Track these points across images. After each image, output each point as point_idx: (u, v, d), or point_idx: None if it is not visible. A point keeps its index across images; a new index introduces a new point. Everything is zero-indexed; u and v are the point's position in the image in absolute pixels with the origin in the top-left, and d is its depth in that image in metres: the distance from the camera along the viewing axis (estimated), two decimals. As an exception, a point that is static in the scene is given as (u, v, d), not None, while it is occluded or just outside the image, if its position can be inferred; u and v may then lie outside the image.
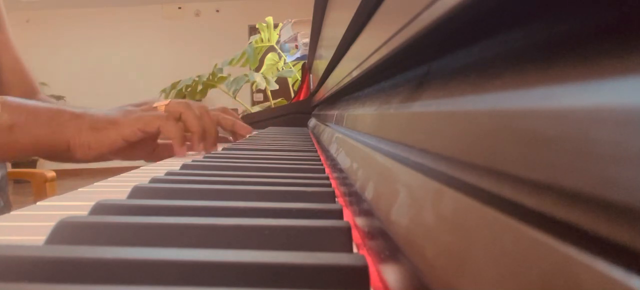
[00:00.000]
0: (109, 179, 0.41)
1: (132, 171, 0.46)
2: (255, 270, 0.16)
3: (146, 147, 0.66)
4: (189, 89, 2.39)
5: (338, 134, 0.49)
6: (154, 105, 0.62)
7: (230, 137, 0.84)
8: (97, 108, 0.61)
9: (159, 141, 0.67)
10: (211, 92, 2.51)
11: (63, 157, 0.60)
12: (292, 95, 1.96)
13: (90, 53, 5.60)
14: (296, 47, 1.95)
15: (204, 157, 0.52)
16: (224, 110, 0.82)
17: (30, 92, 0.84)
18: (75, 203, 0.31)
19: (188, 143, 0.62)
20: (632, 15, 0.08)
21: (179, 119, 0.61)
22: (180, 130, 0.58)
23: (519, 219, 0.09)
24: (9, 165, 0.80)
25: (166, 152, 0.68)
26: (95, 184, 0.38)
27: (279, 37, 2.16)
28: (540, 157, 0.09)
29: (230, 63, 2.33)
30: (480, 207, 0.11)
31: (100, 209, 0.25)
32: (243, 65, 2.31)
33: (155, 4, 5.62)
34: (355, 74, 0.39)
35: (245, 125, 0.81)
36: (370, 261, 0.18)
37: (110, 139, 0.57)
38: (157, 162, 0.55)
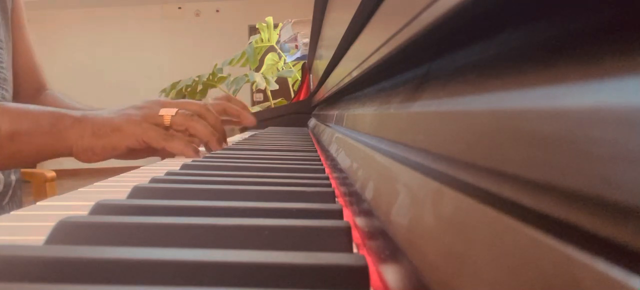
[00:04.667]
0: (109, 179, 0.41)
1: (132, 171, 0.46)
2: (255, 270, 0.16)
3: (149, 151, 0.67)
4: (189, 89, 2.39)
5: (338, 134, 0.49)
6: (160, 113, 0.60)
7: (234, 125, 0.85)
8: (97, 108, 0.61)
9: None
10: (211, 92, 2.51)
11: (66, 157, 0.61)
12: (292, 95, 1.96)
13: (90, 53, 5.60)
14: (296, 47, 1.95)
15: (204, 157, 0.52)
16: (229, 98, 0.83)
17: (39, 87, 0.85)
18: (75, 203, 0.31)
19: (198, 147, 0.62)
20: (632, 15, 0.08)
21: (185, 131, 0.60)
22: (186, 144, 0.58)
23: (519, 219, 0.09)
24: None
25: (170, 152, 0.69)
26: (95, 184, 0.38)
27: (279, 37, 2.16)
28: (540, 157, 0.09)
29: (230, 63, 2.33)
30: (480, 207, 0.11)
31: (100, 209, 0.25)
32: (243, 65, 2.31)
33: (155, 4, 5.61)
34: (355, 74, 0.39)
35: (250, 116, 0.82)
36: (370, 261, 0.18)
37: (112, 145, 0.57)
38: (157, 163, 0.55)
